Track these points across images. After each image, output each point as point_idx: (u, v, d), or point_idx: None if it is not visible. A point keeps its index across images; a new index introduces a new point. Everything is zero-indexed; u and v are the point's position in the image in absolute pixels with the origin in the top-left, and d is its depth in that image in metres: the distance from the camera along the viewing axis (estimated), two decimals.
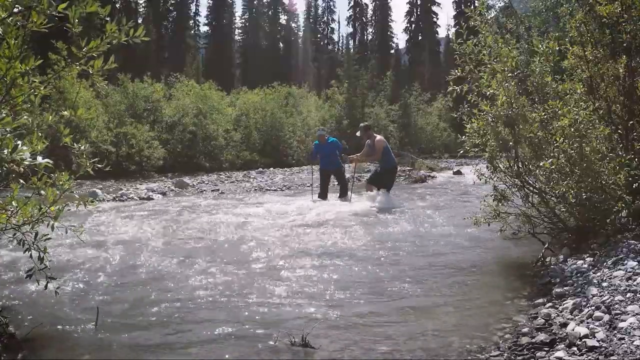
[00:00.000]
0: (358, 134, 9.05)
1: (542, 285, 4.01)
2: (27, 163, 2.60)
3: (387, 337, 3.09)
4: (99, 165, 3.05)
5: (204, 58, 49.77)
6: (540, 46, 4.87)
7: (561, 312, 3.20)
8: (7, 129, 2.60)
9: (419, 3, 56.01)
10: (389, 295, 3.94)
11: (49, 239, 2.98)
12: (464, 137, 4.99)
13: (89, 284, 4.14)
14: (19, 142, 2.59)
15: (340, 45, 61.06)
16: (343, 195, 8.96)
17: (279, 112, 24.90)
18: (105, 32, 2.76)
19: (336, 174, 9.26)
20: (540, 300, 3.54)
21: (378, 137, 8.83)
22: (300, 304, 3.70)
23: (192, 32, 51.72)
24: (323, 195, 9.08)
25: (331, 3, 61.53)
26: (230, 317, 3.43)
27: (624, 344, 2.54)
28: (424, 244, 5.68)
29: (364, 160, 9.32)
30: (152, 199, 10.57)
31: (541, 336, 2.90)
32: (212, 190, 12.41)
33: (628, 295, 3.09)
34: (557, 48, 4.91)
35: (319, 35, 60.77)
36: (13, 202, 2.77)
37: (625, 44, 4.85)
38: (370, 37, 58.90)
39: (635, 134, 4.91)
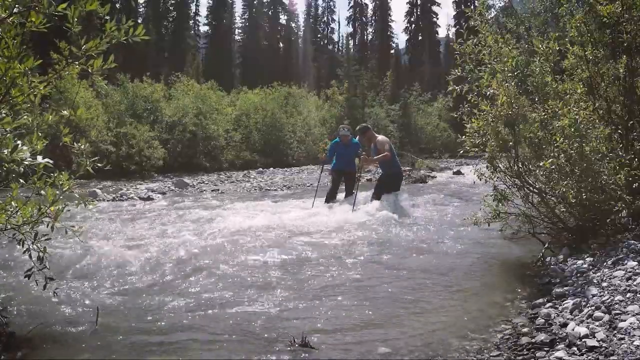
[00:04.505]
0: (357, 139, 8.37)
1: (542, 285, 4.01)
2: (27, 163, 2.60)
3: (387, 338, 3.09)
4: (99, 165, 3.05)
5: (204, 58, 49.78)
6: (540, 46, 4.87)
7: (561, 312, 3.20)
8: (7, 129, 2.60)
9: (419, 3, 55.95)
10: (389, 296, 3.94)
11: (49, 239, 2.98)
12: (464, 137, 4.99)
13: (88, 284, 4.14)
14: (19, 142, 2.59)
15: (340, 45, 61.11)
16: (348, 195, 8.54)
17: (279, 112, 24.90)
18: (105, 31, 2.76)
19: (349, 174, 8.69)
20: (540, 300, 3.54)
21: (379, 137, 8.13)
22: (301, 304, 3.70)
23: (192, 32, 51.73)
24: (332, 197, 8.54)
25: (331, 3, 61.58)
26: (230, 318, 3.43)
27: (624, 344, 2.54)
28: (424, 245, 5.68)
29: (375, 162, 8.28)
30: (152, 199, 10.57)
31: (541, 336, 2.90)
32: (212, 190, 12.41)
33: (628, 295, 3.09)
34: (557, 48, 4.91)
35: (319, 35, 60.77)
36: (13, 202, 2.77)
37: (625, 44, 4.85)
38: (370, 37, 58.90)
39: (635, 134, 4.91)
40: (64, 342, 3.05)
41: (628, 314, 2.83)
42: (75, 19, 2.66)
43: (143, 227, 6.83)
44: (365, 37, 59.10)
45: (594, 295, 3.24)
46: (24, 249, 2.94)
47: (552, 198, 4.74)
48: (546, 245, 4.79)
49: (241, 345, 3.01)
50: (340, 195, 8.68)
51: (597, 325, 2.80)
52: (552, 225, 4.97)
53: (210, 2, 53.27)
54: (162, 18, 47.33)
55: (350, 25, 59.23)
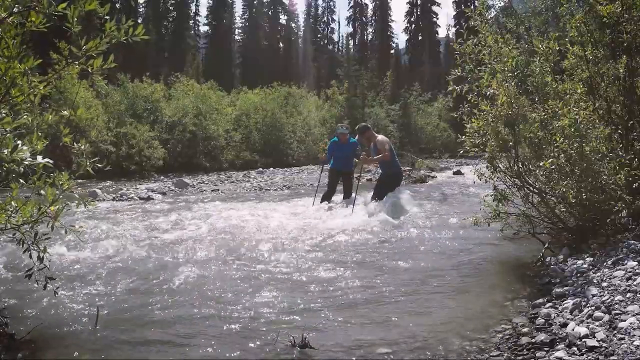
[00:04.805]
0: (356, 138, 8.36)
1: (542, 285, 4.01)
2: (27, 163, 2.60)
3: (387, 338, 3.09)
4: (99, 165, 3.05)
5: (204, 58, 49.78)
6: (540, 46, 4.87)
7: (561, 312, 3.20)
8: (7, 129, 2.60)
9: (419, 3, 55.92)
10: (389, 296, 3.94)
11: (48, 238, 2.98)
12: (464, 137, 4.99)
13: (88, 284, 4.14)
14: (19, 142, 2.59)
15: (340, 45, 61.11)
16: (347, 197, 8.52)
17: (279, 112, 24.89)
18: (105, 31, 2.76)
19: (347, 175, 8.64)
20: (540, 300, 3.54)
21: (379, 137, 8.12)
22: (300, 305, 3.70)
23: (192, 32, 51.73)
24: (329, 197, 8.55)
25: (331, 3, 61.57)
26: (230, 318, 3.43)
27: (624, 344, 2.54)
28: (423, 245, 5.68)
29: (375, 162, 8.24)
30: (152, 199, 10.57)
31: (541, 336, 2.90)
32: (212, 191, 12.41)
33: (628, 295, 3.09)
34: (557, 48, 4.91)
35: (319, 35, 60.77)
36: (13, 202, 2.77)
37: (625, 44, 4.85)
38: (370, 37, 58.88)
39: (635, 134, 4.91)
40: (64, 342, 3.05)
41: (628, 314, 2.83)
42: (75, 19, 2.66)
43: (143, 227, 6.83)
44: (365, 37, 59.08)
45: (594, 295, 3.24)
46: (24, 249, 2.94)
47: (552, 198, 4.74)
48: (546, 245, 4.79)
49: (241, 346, 3.01)
50: (340, 196, 8.68)
51: (597, 325, 2.80)
52: (552, 225, 4.97)
53: (210, 2, 53.31)
54: (162, 18, 47.33)
55: (350, 25, 59.25)
